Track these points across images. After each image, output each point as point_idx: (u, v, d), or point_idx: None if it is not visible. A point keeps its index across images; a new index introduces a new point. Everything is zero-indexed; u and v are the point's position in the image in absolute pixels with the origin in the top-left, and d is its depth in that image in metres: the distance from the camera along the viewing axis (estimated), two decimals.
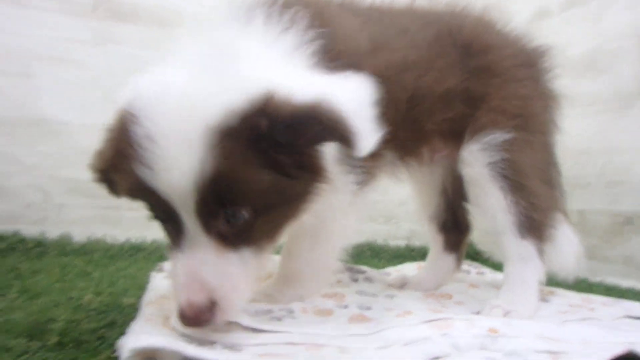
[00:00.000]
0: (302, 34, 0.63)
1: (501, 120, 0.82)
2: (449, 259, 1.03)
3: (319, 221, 0.69)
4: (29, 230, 1.37)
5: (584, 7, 1.45)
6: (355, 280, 1.02)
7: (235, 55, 0.58)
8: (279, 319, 0.69)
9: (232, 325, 0.61)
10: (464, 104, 0.83)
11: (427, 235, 1.06)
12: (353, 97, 0.54)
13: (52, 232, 1.40)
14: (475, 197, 0.86)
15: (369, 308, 0.78)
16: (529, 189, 0.81)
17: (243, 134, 0.52)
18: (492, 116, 0.82)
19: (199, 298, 0.54)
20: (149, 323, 0.61)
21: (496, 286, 0.92)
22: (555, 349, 0.60)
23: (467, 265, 1.27)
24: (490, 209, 0.82)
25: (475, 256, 1.43)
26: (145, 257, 1.36)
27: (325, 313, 0.74)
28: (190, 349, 0.51)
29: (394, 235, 1.69)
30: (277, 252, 0.75)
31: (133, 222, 1.41)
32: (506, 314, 0.77)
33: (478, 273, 1.24)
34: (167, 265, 0.97)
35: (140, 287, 0.87)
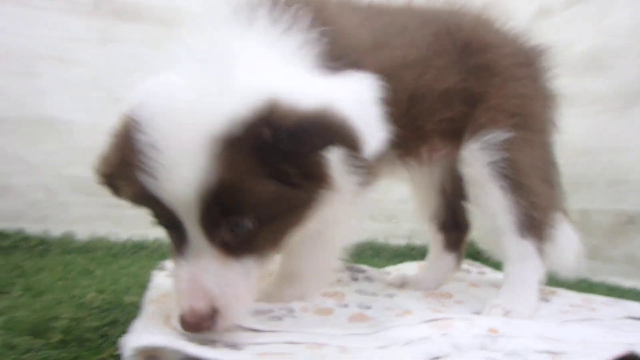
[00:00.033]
0: (304, 33, 0.63)
1: (500, 119, 0.82)
2: (449, 258, 1.03)
3: (320, 221, 0.69)
4: (33, 228, 1.38)
5: (586, 5, 1.44)
6: (356, 280, 1.02)
7: (238, 60, 0.57)
8: (279, 318, 0.70)
9: (233, 326, 0.62)
10: (463, 103, 0.83)
11: (427, 234, 1.06)
12: (357, 98, 0.54)
13: (55, 230, 1.41)
14: (475, 196, 0.86)
15: (369, 307, 0.78)
16: (529, 188, 0.81)
17: (247, 143, 0.52)
18: (491, 115, 0.82)
19: (200, 305, 0.54)
20: (151, 322, 0.61)
21: (497, 286, 0.92)
22: (555, 349, 0.60)
23: (467, 264, 1.27)
24: (491, 209, 0.82)
25: (477, 255, 1.43)
26: (147, 255, 1.37)
27: (326, 312, 0.75)
28: (191, 348, 0.51)
29: (395, 234, 1.69)
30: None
31: (135, 221, 1.40)
32: (506, 313, 0.77)
33: (479, 273, 1.24)
34: (168, 263, 0.98)
35: (142, 285, 0.88)
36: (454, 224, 1.02)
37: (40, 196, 1.44)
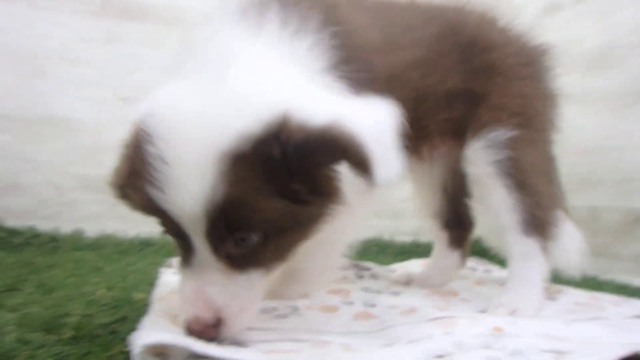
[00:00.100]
0: (316, 35, 0.61)
1: (504, 118, 0.81)
2: (453, 256, 1.03)
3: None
4: (43, 225, 1.41)
5: (595, 2, 1.42)
6: (361, 277, 1.02)
7: (248, 70, 0.56)
8: (284, 316, 0.71)
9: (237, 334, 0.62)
10: (467, 102, 0.83)
11: (432, 232, 1.06)
12: (374, 122, 0.52)
13: (66, 227, 1.43)
14: (479, 195, 0.86)
15: (373, 305, 0.78)
16: (532, 187, 0.81)
17: (255, 160, 0.51)
18: (495, 114, 0.82)
19: (205, 315, 0.55)
20: (159, 319, 0.62)
21: (502, 284, 0.91)
22: (559, 348, 0.60)
23: (473, 262, 1.26)
24: (495, 207, 0.82)
25: (483, 253, 1.43)
26: (154, 251, 1.38)
27: (331, 309, 0.75)
28: (197, 346, 0.52)
29: (400, 231, 1.69)
30: None
31: (142, 218, 1.43)
32: (511, 312, 0.77)
33: (485, 271, 1.23)
34: (175, 261, 0.99)
35: (150, 282, 0.89)
36: (457, 222, 1.02)
37: (50, 194, 1.46)
